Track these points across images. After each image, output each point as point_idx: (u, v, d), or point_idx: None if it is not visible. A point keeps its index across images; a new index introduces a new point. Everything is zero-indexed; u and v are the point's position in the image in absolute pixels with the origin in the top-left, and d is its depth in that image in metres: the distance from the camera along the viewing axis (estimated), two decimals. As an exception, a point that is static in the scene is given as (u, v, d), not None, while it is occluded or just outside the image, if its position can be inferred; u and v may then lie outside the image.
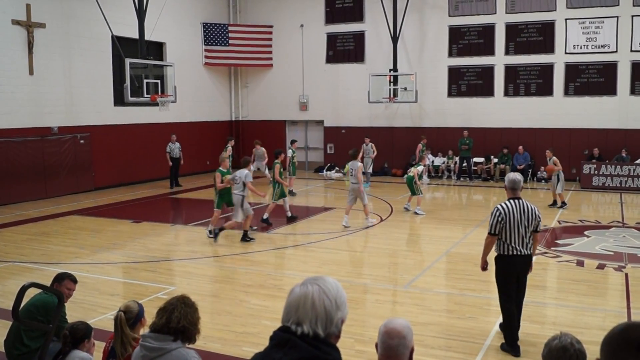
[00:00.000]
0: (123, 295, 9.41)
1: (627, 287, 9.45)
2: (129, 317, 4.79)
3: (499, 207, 6.86)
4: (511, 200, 6.86)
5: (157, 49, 22.71)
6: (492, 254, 7.08)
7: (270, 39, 26.33)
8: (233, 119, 27.25)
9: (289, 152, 19.26)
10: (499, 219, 6.78)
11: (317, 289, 2.26)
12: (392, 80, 23.13)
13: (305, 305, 2.24)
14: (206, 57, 25.38)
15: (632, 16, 21.01)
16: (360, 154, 20.96)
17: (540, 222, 6.93)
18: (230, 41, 25.69)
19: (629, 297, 8.91)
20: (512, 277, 6.92)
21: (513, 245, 6.79)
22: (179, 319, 3.74)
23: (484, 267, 7.26)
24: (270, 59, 26.45)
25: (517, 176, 6.99)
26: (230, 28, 25.85)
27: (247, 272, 10.51)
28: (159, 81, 19.04)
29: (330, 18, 25.30)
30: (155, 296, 8.86)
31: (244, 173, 12.56)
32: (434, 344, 7.11)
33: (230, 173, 13.13)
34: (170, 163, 21.01)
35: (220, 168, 13.22)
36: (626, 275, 10.05)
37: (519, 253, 6.81)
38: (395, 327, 2.97)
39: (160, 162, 21.58)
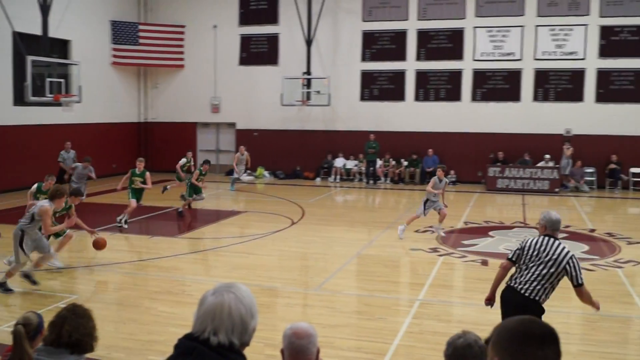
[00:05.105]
0: (20, 306, 8.88)
1: (528, 285, 9.81)
2: (29, 330, 4.51)
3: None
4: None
5: (61, 47, 21.76)
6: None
7: (182, 39, 25.80)
8: (142, 121, 26.49)
9: (182, 161, 18.06)
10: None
11: (233, 297, 2.22)
12: (305, 83, 23.19)
13: (222, 314, 2.19)
14: (114, 56, 24.53)
15: (536, 26, 22.10)
16: (235, 161, 20.91)
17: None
18: (140, 40, 24.97)
19: (530, 295, 9.25)
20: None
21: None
22: (70, 333, 3.54)
23: (490, 301, 6.28)
24: (182, 59, 25.92)
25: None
26: (140, 27, 25.12)
27: (154, 278, 10.20)
28: (63, 80, 18.28)
29: (244, 19, 25.09)
30: (55, 306, 8.39)
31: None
32: (344, 346, 7.12)
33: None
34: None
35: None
36: (527, 273, 10.44)
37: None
38: (302, 327, 3.09)
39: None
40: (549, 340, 2.03)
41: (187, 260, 11.69)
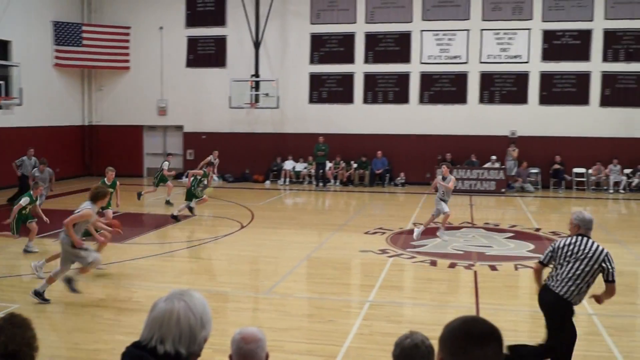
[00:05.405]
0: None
1: (476, 283, 9.99)
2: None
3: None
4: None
5: (1, 48, 21.00)
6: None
7: (127, 41, 25.27)
8: (86, 124, 25.81)
9: (165, 165, 18.39)
10: None
11: (184, 306, 2.16)
12: (253, 85, 23.06)
13: (170, 321, 2.13)
14: (57, 57, 23.83)
15: (481, 30, 22.56)
16: (204, 162, 20.63)
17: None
18: (84, 42, 24.33)
19: (477, 293, 9.42)
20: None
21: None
22: (6, 344, 3.37)
23: None
24: (127, 61, 25.39)
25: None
26: (83, 28, 24.48)
27: (99, 285, 9.92)
28: (2, 82, 17.67)
29: (191, 21, 24.77)
30: (-6, 315, 8.08)
31: None
32: (294, 349, 7.06)
33: None
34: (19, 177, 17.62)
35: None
36: (475, 272, 10.63)
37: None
38: (250, 332, 3.05)
39: (4, 169, 19.90)
40: (489, 339, 2.05)
41: (134, 266, 11.41)
